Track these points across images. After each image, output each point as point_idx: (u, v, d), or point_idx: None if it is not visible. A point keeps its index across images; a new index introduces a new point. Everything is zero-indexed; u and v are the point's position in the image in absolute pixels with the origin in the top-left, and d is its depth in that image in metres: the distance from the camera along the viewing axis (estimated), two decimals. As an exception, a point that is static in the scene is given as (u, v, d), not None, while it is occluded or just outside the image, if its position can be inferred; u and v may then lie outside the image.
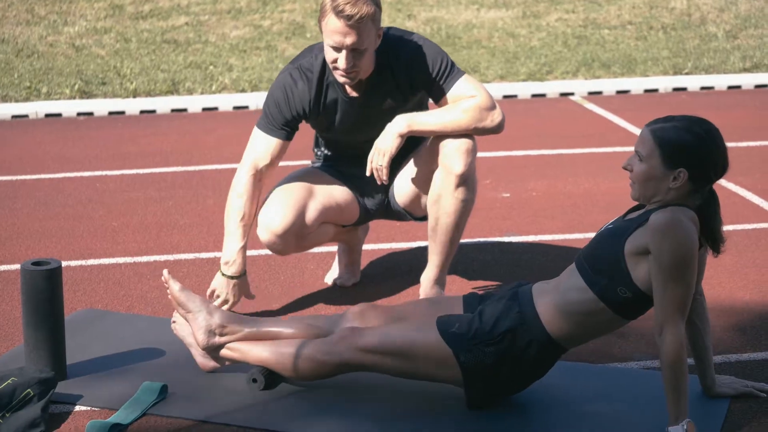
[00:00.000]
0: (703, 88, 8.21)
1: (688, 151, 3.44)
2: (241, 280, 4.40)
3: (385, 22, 9.78)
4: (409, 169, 4.42)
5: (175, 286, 3.86)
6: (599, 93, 8.07)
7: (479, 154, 4.34)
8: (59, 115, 7.41)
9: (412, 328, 3.67)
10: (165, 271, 3.88)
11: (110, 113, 7.47)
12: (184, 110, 7.57)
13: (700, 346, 3.69)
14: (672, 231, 3.38)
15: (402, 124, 4.22)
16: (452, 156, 4.22)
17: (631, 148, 6.78)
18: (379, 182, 4.28)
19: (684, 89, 8.18)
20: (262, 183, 4.37)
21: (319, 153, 4.60)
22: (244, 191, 4.34)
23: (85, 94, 7.74)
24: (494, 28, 9.76)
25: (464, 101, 4.22)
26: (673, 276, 3.37)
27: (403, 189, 4.47)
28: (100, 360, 3.98)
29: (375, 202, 4.54)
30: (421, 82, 4.26)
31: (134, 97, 7.76)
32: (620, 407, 3.71)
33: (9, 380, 3.60)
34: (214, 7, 10.19)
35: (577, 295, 3.53)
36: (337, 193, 4.47)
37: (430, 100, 4.37)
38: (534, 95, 8.02)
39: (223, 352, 3.83)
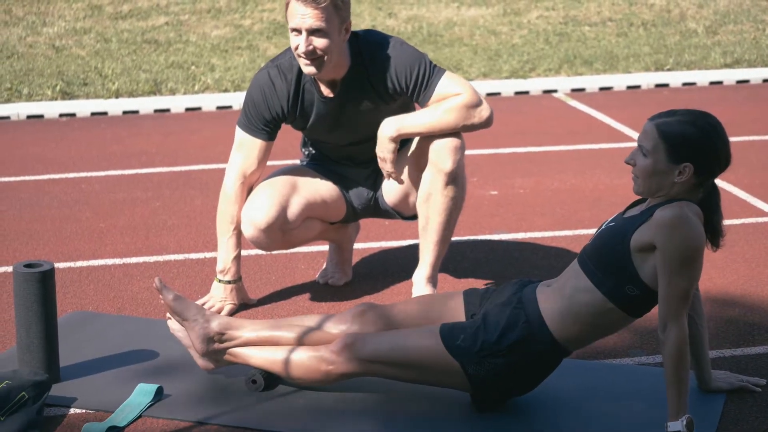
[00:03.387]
0: (684, 84, 8.23)
1: (693, 145, 3.41)
2: (238, 284, 4.44)
3: (366, 21, 9.76)
4: (397, 169, 4.41)
5: (168, 295, 3.76)
6: (582, 90, 8.07)
7: (465, 152, 4.34)
8: (41, 116, 7.36)
9: (415, 337, 3.59)
10: (157, 279, 3.77)
11: (93, 114, 7.43)
12: (167, 110, 7.54)
13: (697, 340, 3.67)
14: (679, 226, 3.35)
15: (391, 128, 4.21)
16: (441, 154, 4.22)
17: (616, 145, 6.85)
18: (399, 183, 4.32)
19: (666, 85, 8.19)
20: (252, 186, 4.38)
21: (306, 152, 4.59)
22: (235, 199, 4.34)
23: (66, 95, 7.70)
24: (475, 26, 9.76)
25: (450, 100, 4.21)
26: (679, 272, 3.35)
27: (391, 189, 4.46)
28: (94, 362, 3.95)
29: (362, 200, 4.53)
30: (402, 87, 4.24)
31: (116, 97, 7.72)
32: (623, 404, 3.70)
33: (3, 383, 3.54)
34: (194, 7, 10.15)
35: (584, 297, 3.48)
36: (322, 188, 4.45)
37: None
38: (517, 93, 8.02)
39: (225, 356, 3.77)
